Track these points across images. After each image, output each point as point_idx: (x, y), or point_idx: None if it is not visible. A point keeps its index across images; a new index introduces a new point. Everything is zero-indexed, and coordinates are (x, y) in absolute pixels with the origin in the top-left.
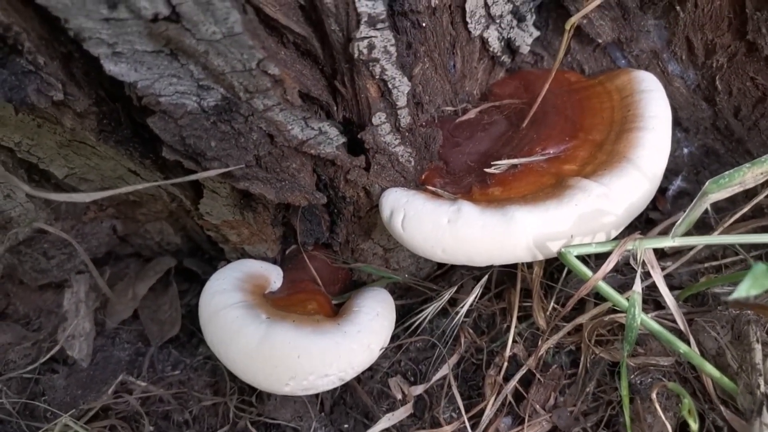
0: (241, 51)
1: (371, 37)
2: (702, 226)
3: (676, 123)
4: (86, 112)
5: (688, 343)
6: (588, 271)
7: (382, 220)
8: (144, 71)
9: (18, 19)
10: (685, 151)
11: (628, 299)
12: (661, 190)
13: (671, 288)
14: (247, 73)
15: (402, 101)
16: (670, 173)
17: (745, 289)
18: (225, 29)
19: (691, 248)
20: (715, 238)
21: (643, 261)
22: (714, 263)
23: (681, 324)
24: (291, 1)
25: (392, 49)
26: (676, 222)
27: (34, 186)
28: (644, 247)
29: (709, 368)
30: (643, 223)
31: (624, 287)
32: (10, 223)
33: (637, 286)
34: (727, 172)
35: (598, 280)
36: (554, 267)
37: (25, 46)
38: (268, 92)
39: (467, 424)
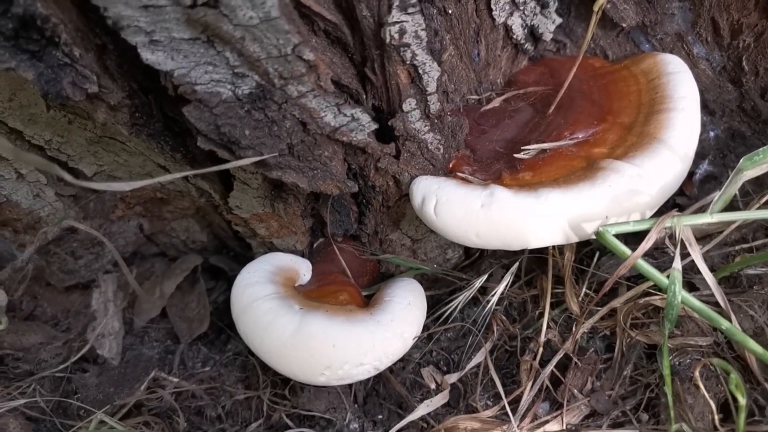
0: (276, 36)
1: (402, 21)
2: (730, 209)
3: (703, 106)
4: (119, 105)
5: (729, 321)
6: (627, 250)
7: (414, 207)
8: (180, 59)
9: (56, 10)
10: (711, 134)
11: (667, 278)
12: (688, 175)
13: None
14: (282, 59)
15: (432, 87)
16: (696, 157)
17: None
18: (262, 14)
19: (722, 231)
20: (753, 213)
21: (681, 241)
22: (745, 246)
23: (721, 301)
24: None
25: (423, 34)
26: (704, 206)
27: (64, 185)
28: (683, 224)
29: (752, 344)
30: (670, 209)
31: (657, 270)
32: (39, 223)
33: (677, 263)
34: (761, 149)
35: (637, 257)
36: (584, 253)
37: (62, 38)
38: (302, 78)
39: (507, 408)
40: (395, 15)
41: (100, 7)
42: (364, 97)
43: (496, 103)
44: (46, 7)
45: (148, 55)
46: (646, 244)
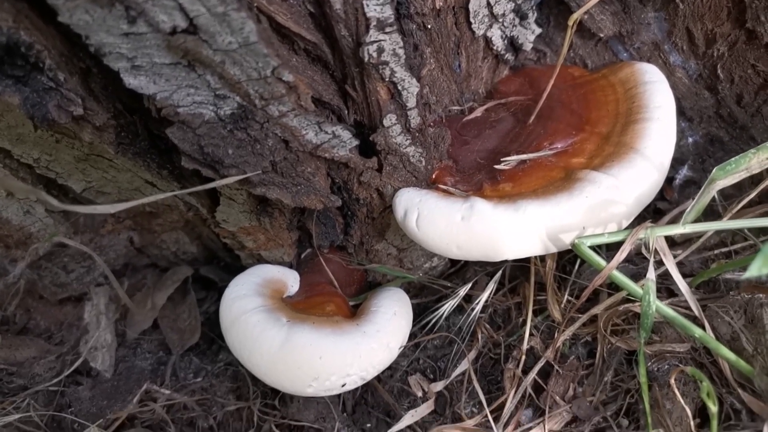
0: (256, 59)
1: (380, 40)
2: (710, 213)
3: (680, 113)
4: (105, 126)
5: (703, 328)
6: (602, 261)
7: (397, 219)
8: (162, 83)
9: (39, 37)
10: (690, 140)
11: (642, 287)
12: (668, 180)
13: (683, 275)
14: (262, 81)
15: (411, 102)
16: (675, 162)
17: (756, 269)
18: (241, 39)
19: (700, 235)
20: (725, 224)
21: (655, 249)
22: (724, 249)
23: (695, 309)
24: (301, 9)
25: (401, 52)
26: (684, 210)
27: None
28: (656, 235)
29: (725, 351)
30: (652, 213)
31: (636, 276)
32: (30, 239)
33: (651, 274)
34: (733, 159)
35: (612, 269)
36: (566, 260)
37: (46, 63)
38: (282, 99)
39: (489, 417)
40: (373, 34)
41: (83, 35)
42: (346, 112)
43: (478, 113)
44: (29, 34)
45: (130, 80)
46: (620, 256)
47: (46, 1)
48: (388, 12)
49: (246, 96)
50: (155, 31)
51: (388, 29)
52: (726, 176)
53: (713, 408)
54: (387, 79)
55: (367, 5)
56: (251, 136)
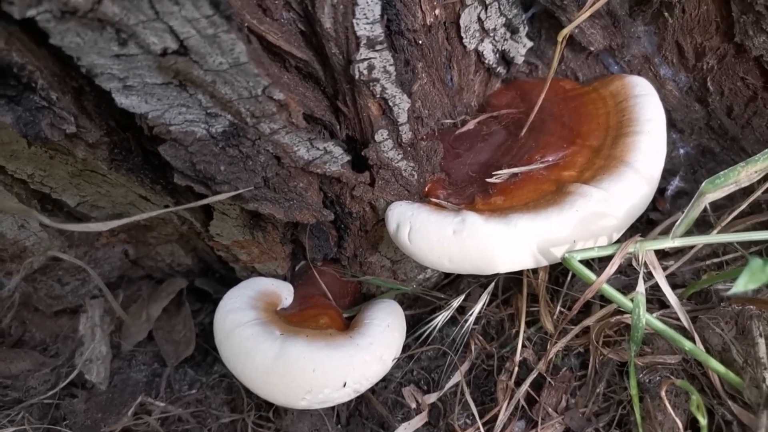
0: (246, 79)
1: (370, 58)
2: (702, 224)
3: (671, 125)
4: (98, 143)
5: (693, 341)
6: (592, 275)
7: (389, 233)
8: (154, 102)
9: (32, 58)
10: (681, 151)
11: (632, 300)
12: (660, 191)
13: (675, 286)
14: (253, 100)
15: (403, 118)
16: (667, 174)
17: (742, 284)
18: (231, 59)
19: (692, 247)
20: (714, 237)
21: (646, 262)
22: (716, 260)
23: (685, 321)
24: (292, 28)
25: (391, 69)
26: (676, 222)
27: (48, 215)
28: (645, 248)
29: (714, 364)
30: (644, 224)
31: (629, 288)
32: (25, 253)
33: (640, 287)
34: (722, 172)
35: (602, 283)
36: (559, 271)
37: (38, 83)
38: (273, 116)
39: (482, 429)
40: (363, 52)
41: (74, 56)
42: (338, 128)
43: (470, 126)
44: (21, 56)
45: (122, 100)
46: (610, 270)
47: (37, 24)
48: (378, 30)
49: (237, 114)
50: (146, 53)
51: (378, 47)
52: (715, 189)
53: (702, 420)
54: (378, 96)
55: (357, 24)
56: (243, 153)
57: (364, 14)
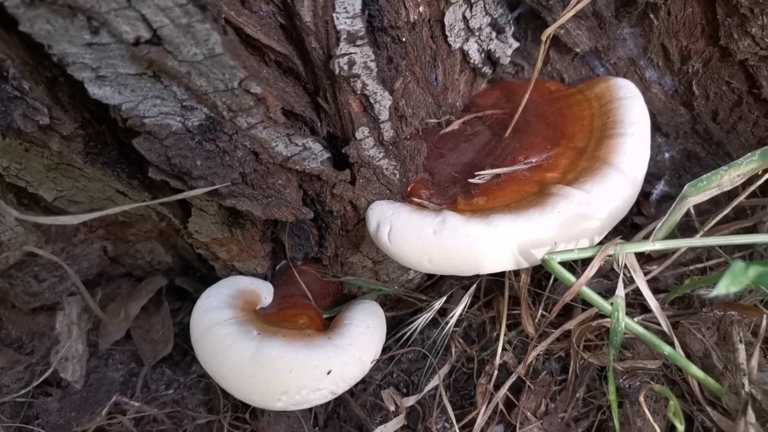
0: (222, 71)
1: (351, 53)
2: (686, 229)
3: (656, 128)
4: (73, 135)
5: (673, 346)
6: (571, 277)
7: (369, 232)
8: (128, 93)
9: (2, 46)
10: (666, 155)
11: (612, 304)
12: (645, 195)
13: (657, 291)
14: (229, 93)
15: (384, 115)
16: (652, 177)
17: (724, 287)
18: (206, 50)
19: (675, 251)
20: (695, 241)
21: (627, 265)
22: (699, 265)
23: (665, 325)
24: (271, 21)
25: (372, 65)
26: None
27: (24, 210)
28: (625, 251)
29: (694, 369)
30: (629, 228)
31: (611, 291)
32: (0, 248)
33: (620, 291)
34: (704, 176)
35: (581, 285)
36: (542, 274)
37: (10, 72)
38: (251, 111)
39: None
40: (343, 47)
41: (45, 44)
42: (319, 124)
43: (455, 126)
44: None
45: (95, 90)
46: (590, 272)
47: (6, 10)
48: (359, 25)
49: (213, 107)
50: (118, 42)
51: (359, 42)
52: (698, 193)
53: (680, 426)
54: (359, 92)
55: (338, 18)
56: (220, 148)
57: (345, 8)
